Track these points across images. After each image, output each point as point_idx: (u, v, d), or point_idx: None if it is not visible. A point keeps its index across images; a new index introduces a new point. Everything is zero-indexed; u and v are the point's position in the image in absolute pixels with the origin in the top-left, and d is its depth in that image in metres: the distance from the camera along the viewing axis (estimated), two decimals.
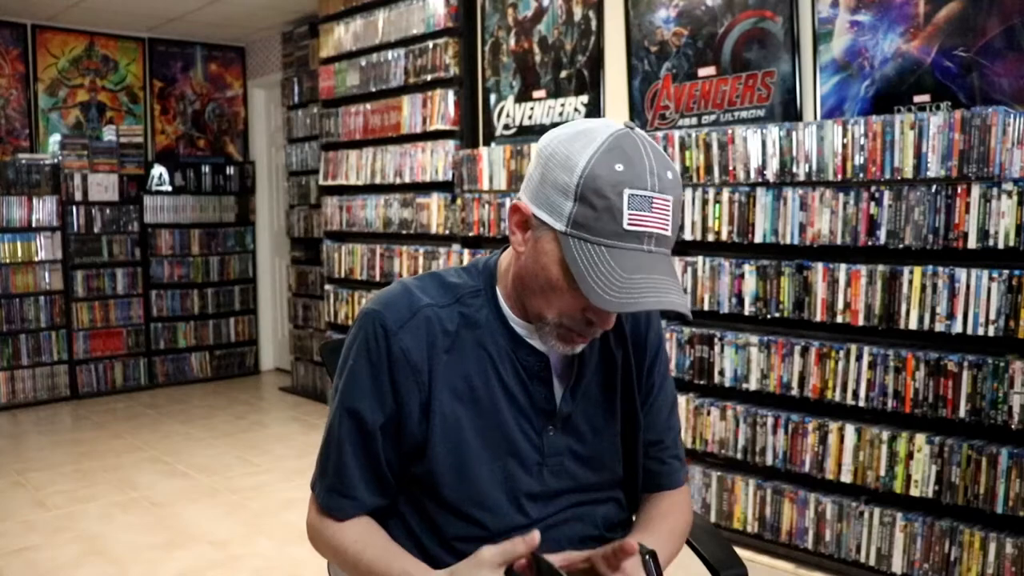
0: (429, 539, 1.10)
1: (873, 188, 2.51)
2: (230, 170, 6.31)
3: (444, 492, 1.07)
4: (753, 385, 2.82)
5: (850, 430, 2.59)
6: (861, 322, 2.56)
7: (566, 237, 0.94)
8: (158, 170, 5.97)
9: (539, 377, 1.08)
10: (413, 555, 1.07)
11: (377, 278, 4.49)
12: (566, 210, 0.93)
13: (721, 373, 2.90)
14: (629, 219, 0.90)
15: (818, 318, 2.66)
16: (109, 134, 5.87)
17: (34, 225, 5.41)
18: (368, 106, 4.57)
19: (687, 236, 2.97)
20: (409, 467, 1.08)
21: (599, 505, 1.16)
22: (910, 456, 2.46)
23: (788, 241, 2.72)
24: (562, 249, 0.95)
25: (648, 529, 1.16)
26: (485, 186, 3.84)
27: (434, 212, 4.13)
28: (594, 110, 3.54)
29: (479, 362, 1.06)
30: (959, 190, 2.33)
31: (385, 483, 1.09)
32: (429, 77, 4.18)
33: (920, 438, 2.44)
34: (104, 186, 5.70)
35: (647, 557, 0.95)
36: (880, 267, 2.51)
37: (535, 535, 0.94)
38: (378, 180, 4.49)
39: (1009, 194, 2.24)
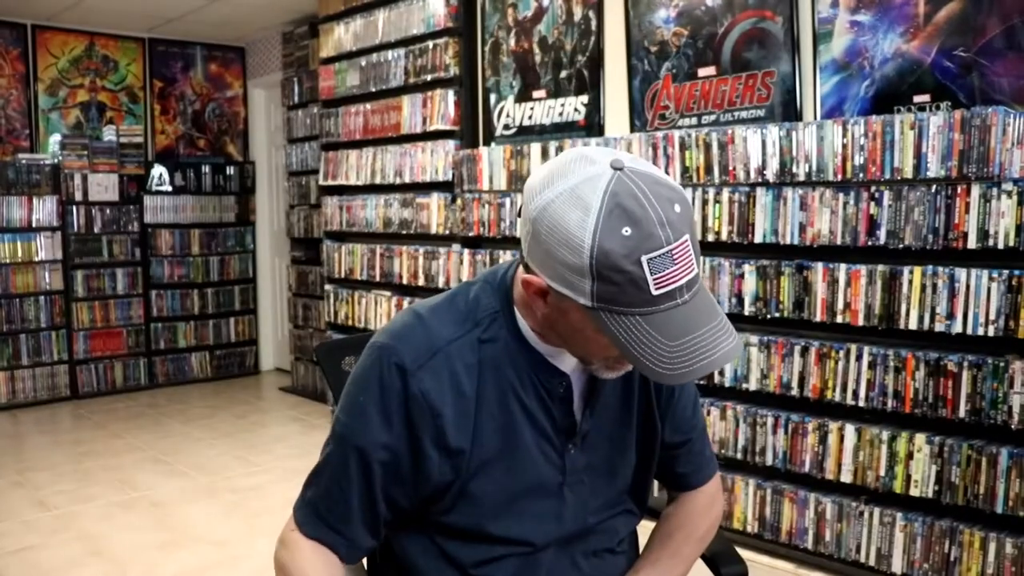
0: (445, 566, 1.07)
1: (873, 188, 2.51)
2: (230, 170, 6.31)
3: (464, 521, 1.04)
4: (753, 385, 2.82)
5: (850, 430, 2.59)
6: (861, 322, 2.56)
7: (596, 311, 0.87)
8: (158, 170, 5.97)
9: (561, 398, 1.04)
10: None
11: (377, 278, 4.49)
12: (587, 288, 0.86)
13: (721, 373, 2.90)
14: (655, 284, 0.84)
15: (818, 318, 2.66)
16: (109, 134, 5.86)
17: (34, 225, 5.41)
18: (368, 106, 4.57)
19: None
20: (427, 506, 1.04)
21: (614, 518, 1.15)
22: (910, 456, 2.46)
23: (788, 241, 2.72)
24: (593, 319, 0.88)
25: (652, 562, 1.19)
26: (485, 186, 3.84)
27: (434, 212, 4.13)
28: (594, 110, 3.54)
29: (499, 389, 1.02)
30: (959, 190, 2.33)
31: (379, 525, 1.04)
32: (429, 77, 4.18)
33: (920, 438, 2.44)
34: (104, 186, 5.70)
35: None
36: (880, 267, 2.51)
37: None
38: (378, 180, 4.49)
39: (1009, 194, 2.24)
